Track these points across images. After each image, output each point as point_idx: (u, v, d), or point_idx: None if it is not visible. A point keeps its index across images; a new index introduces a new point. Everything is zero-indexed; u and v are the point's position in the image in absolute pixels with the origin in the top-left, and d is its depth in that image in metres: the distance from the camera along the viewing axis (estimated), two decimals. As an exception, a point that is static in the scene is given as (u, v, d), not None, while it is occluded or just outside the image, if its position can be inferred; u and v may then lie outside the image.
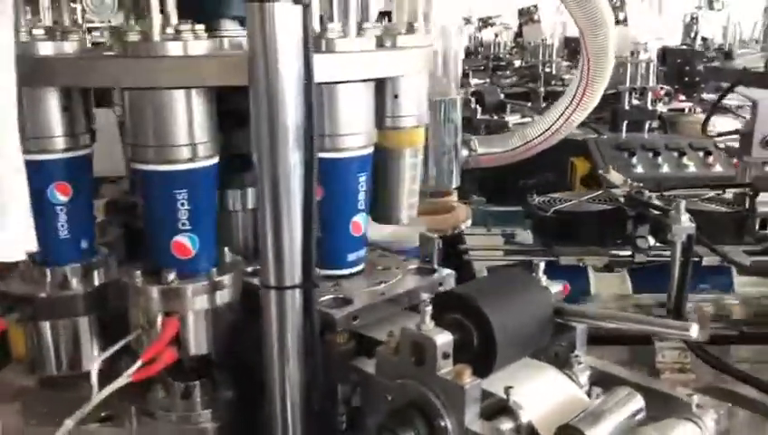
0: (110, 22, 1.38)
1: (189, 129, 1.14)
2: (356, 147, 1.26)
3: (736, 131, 2.84)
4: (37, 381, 1.35)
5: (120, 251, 1.45)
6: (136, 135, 1.15)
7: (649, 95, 4.09)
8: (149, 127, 1.14)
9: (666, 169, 3.62)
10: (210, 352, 1.24)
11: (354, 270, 1.34)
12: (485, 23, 8.67)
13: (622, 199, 1.80)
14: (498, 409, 1.04)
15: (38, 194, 1.16)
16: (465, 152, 1.98)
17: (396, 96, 1.35)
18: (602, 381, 1.17)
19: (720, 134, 3.39)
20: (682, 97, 4.54)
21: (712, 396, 1.06)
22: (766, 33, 7.10)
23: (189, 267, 1.21)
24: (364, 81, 1.23)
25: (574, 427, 0.97)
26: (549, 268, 1.16)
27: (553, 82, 5.09)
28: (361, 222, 1.34)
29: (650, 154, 3.67)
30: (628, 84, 4.05)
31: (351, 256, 1.35)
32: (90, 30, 1.41)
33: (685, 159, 3.62)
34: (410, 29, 1.35)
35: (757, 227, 1.90)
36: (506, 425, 1.03)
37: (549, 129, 2.04)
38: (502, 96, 4.45)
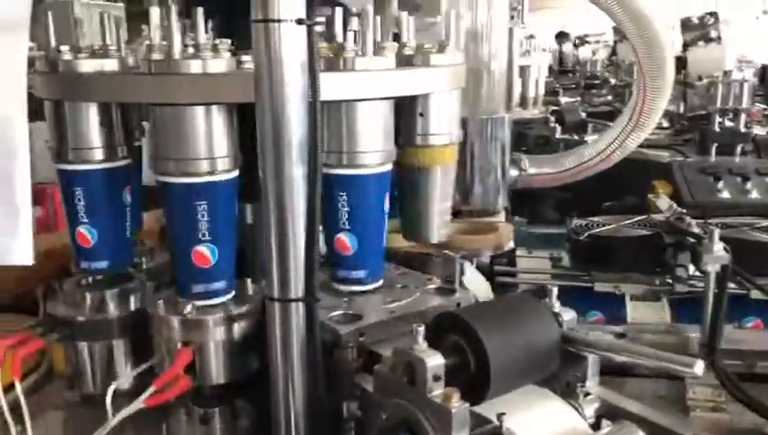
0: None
1: (209, 143, 1.18)
2: (374, 164, 1.27)
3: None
4: (78, 397, 1.43)
5: (165, 276, 1.50)
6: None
7: (743, 117, 3.87)
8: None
9: (755, 194, 3.41)
10: (229, 381, 1.26)
11: (370, 287, 1.34)
12: (582, 40, 8.50)
13: (661, 225, 1.72)
14: (491, 435, 1.02)
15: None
16: (514, 172, 1.94)
17: (421, 114, 1.35)
18: (612, 415, 1.13)
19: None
20: (781, 119, 4.28)
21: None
22: None
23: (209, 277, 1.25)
24: (381, 99, 1.24)
25: (564, 459, 0.94)
26: (584, 295, 1.14)
27: (644, 102, 4.92)
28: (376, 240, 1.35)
29: (738, 179, 3.47)
30: (718, 105, 3.86)
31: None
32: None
33: (777, 186, 3.40)
34: (441, 48, 1.36)
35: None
36: (497, 452, 1.00)
37: (605, 150, 1.98)
38: (583, 115, 4.34)
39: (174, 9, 1.10)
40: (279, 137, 1.08)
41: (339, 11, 1.29)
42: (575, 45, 8.35)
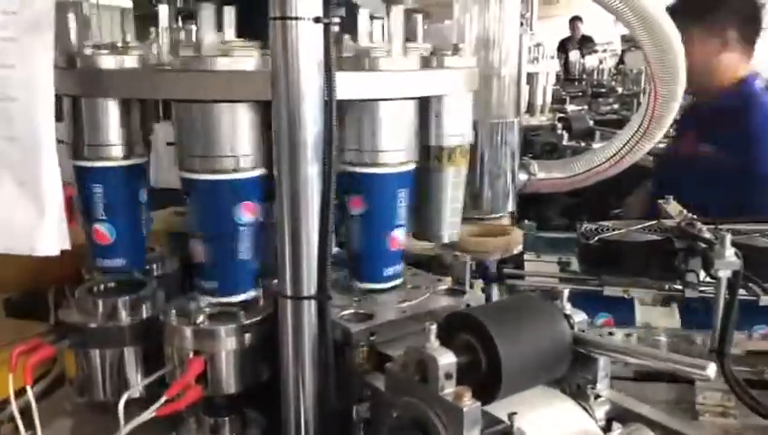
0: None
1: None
2: (396, 163, 1.28)
3: None
4: (88, 403, 1.42)
5: (175, 283, 1.52)
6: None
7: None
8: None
9: (765, 200, 3.41)
10: (240, 391, 1.26)
11: (390, 285, 1.35)
12: (590, 49, 8.51)
13: (672, 230, 1.72)
14: (502, 435, 1.03)
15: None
16: (523, 176, 1.95)
17: (436, 115, 1.36)
18: (623, 417, 1.13)
19: None
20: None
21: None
22: None
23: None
24: (405, 99, 1.26)
25: (575, 459, 0.95)
26: (593, 298, 1.14)
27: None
28: (399, 237, 1.35)
29: (745, 186, 3.47)
30: (726, 114, 3.86)
31: (388, 271, 1.36)
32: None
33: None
34: (455, 50, 1.37)
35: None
36: (508, 452, 1.01)
37: (614, 155, 1.99)
38: (591, 123, 4.35)
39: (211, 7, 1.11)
40: (294, 135, 1.09)
41: (365, 12, 1.30)
42: (582, 54, 8.35)
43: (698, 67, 2.29)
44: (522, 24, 2.16)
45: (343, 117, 1.22)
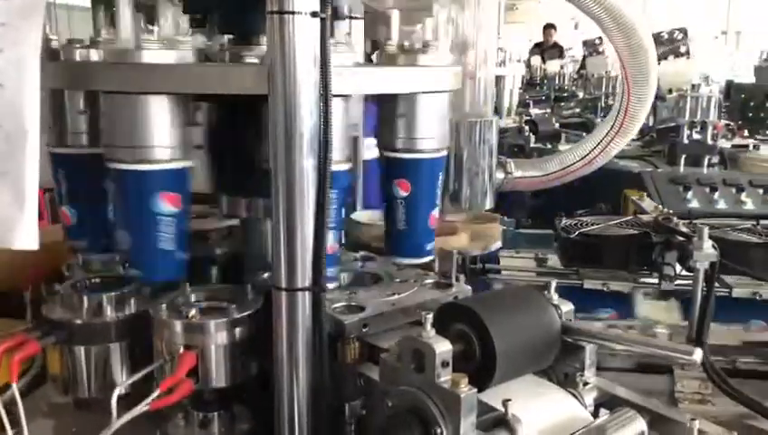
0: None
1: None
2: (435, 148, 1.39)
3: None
4: (72, 401, 1.40)
5: None
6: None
7: (710, 129, 4.00)
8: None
9: (722, 205, 3.52)
10: (230, 385, 1.27)
11: (430, 258, 1.44)
12: (552, 54, 8.64)
13: (650, 225, 1.77)
14: (496, 422, 1.05)
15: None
16: (500, 175, 1.98)
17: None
18: (610, 403, 1.16)
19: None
20: (745, 133, 4.41)
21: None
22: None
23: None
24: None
25: (570, 443, 0.97)
26: (596, 294, 1.16)
27: (614, 114, 5.03)
28: (436, 215, 1.47)
29: (707, 189, 3.58)
30: (687, 118, 3.98)
31: (429, 246, 1.47)
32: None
33: (743, 196, 3.51)
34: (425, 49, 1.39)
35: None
36: (503, 438, 1.03)
37: (587, 155, 2.02)
38: (557, 125, 4.43)
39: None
40: (290, 128, 1.10)
41: (395, 13, 1.37)
42: (543, 60, 8.49)
43: None
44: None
45: (393, 109, 1.36)
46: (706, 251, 1.45)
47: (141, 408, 1.16)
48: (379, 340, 1.23)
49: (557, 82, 7.24)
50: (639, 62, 1.83)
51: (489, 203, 1.96)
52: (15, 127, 1.08)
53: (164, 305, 1.26)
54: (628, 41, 1.81)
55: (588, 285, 1.69)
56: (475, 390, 1.01)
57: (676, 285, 1.66)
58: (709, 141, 3.98)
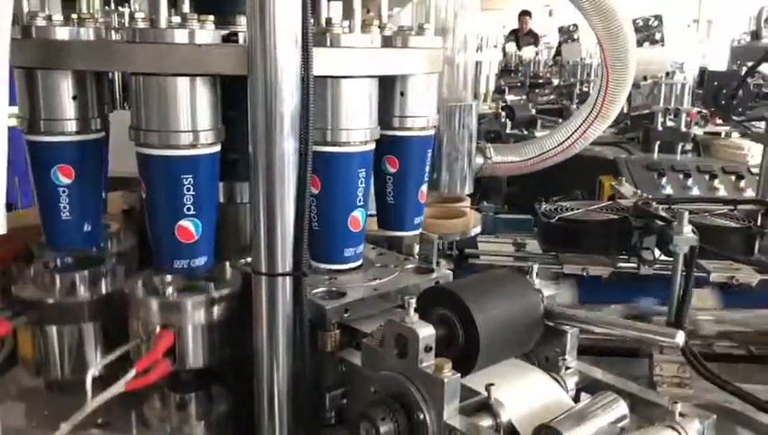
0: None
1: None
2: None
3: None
4: (43, 383, 1.38)
5: (133, 260, 1.49)
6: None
7: (683, 117, 4.03)
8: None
9: (696, 191, 3.57)
10: (207, 366, 1.25)
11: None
12: (525, 40, 8.66)
13: (629, 210, 1.77)
14: (479, 406, 1.04)
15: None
16: (480, 160, 1.98)
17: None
18: (591, 387, 1.16)
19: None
20: (718, 121, 4.46)
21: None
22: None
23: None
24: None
25: (552, 427, 0.97)
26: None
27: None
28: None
29: (681, 176, 3.63)
30: (661, 105, 4.01)
31: (417, 220, 1.45)
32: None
33: (716, 182, 3.57)
34: (420, 31, 1.37)
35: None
36: (486, 422, 1.03)
37: (566, 140, 2.03)
38: (533, 111, 4.43)
39: None
40: (270, 110, 1.08)
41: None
42: (518, 46, 8.51)
43: None
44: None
45: (389, 89, 1.35)
46: (686, 235, 1.46)
47: (117, 389, 1.14)
48: (360, 325, 1.21)
49: (532, 68, 7.26)
50: (618, 45, 1.84)
51: (468, 188, 1.96)
52: None
53: (140, 283, 1.24)
54: (608, 24, 1.82)
55: (567, 269, 1.70)
56: (459, 375, 1.00)
57: (655, 269, 1.67)
58: (683, 128, 4.02)
